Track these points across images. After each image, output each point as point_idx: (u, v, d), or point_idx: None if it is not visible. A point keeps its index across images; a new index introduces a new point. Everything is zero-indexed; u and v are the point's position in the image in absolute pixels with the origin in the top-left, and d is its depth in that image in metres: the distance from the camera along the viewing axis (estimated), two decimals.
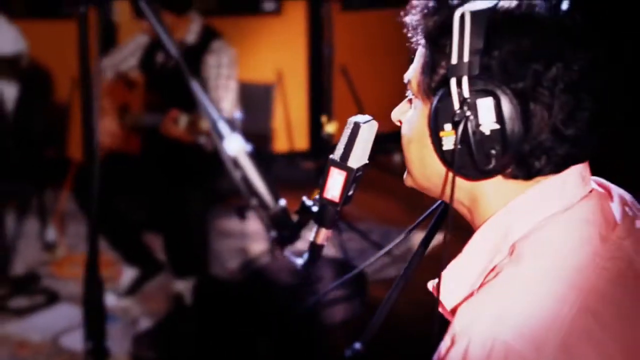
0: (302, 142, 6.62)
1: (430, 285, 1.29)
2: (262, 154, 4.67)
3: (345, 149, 1.41)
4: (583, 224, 1.19)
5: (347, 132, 1.40)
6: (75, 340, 3.69)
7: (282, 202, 1.50)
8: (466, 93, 1.15)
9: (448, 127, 1.19)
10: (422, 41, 1.27)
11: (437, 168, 1.25)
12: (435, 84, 1.22)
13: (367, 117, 1.42)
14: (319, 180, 1.43)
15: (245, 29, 6.81)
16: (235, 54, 4.40)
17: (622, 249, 1.19)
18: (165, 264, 4.42)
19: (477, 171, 1.19)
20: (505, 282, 1.15)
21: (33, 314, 4.21)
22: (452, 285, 1.25)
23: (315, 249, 1.50)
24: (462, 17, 1.15)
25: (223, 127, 1.55)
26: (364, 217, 5.39)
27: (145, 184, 4.26)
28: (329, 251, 4.81)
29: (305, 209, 1.47)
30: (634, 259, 1.19)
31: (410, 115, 1.30)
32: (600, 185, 1.30)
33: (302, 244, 1.55)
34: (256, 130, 4.88)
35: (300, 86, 6.60)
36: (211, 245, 4.78)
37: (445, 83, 1.19)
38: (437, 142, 1.21)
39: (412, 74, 1.29)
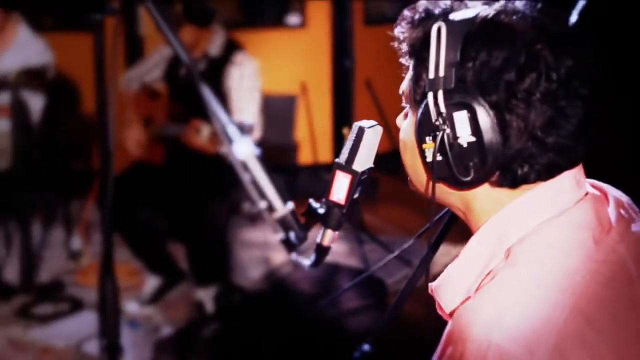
0: (326, 154, 6.65)
1: (430, 287, 1.32)
2: (285, 165, 4.72)
3: (350, 152, 1.44)
4: (577, 228, 1.21)
5: (352, 136, 1.44)
6: (98, 347, 3.73)
7: (290, 205, 1.53)
8: (442, 107, 1.18)
9: (429, 139, 1.22)
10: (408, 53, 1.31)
11: (425, 176, 1.29)
12: (419, 97, 1.25)
13: (372, 122, 1.46)
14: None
15: (270, 42, 6.86)
16: (257, 66, 4.44)
17: (615, 252, 1.20)
18: (187, 273, 4.47)
19: (459, 182, 1.22)
20: (500, 286, 1.17)
21: (57, 320, 4.27)
22: (449, 288, 1.27)
23: (321, 250, 1.53)
24: (439, 30, 1.19)
25: (232, 131, 1.60)
26: (386, 229, 5.41)
27: (169, 194, 4.30)
28: (351, 262, 4.84)
29: (312, 212, 1.50)
30: (627, 262, 1.20)
31: (405, 125, 1.33)
32: (596, 187, 1.31)
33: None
34: (280, 142, 4.92)
35: (324, 99, 6.64)
36: (234, 255, 4.83)
37: (426, 95, 1.21)
38: (421, 153, 1.24)
39: (403, 87, 1.32)
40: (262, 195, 1.55)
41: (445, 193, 1.29)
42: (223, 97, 4.33)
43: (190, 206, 4.21)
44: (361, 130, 1.43)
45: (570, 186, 1.24)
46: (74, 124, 5.60)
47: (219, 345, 3.71)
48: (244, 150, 1.58)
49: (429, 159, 1.22)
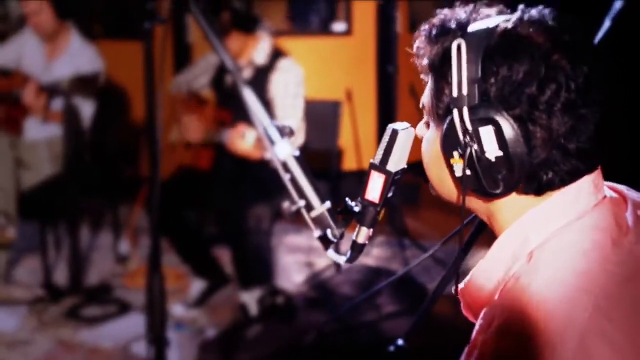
0: (370, 160, 6.63)
1: (456, 289, 1.37)
2: (329, 170, 4.77)
3: (384, 154, 1.49)
4: (595, 230, 1.24)
5: (385, 138, 1.48)
6: (144, 348, 3.81)
7: (327, 203, 1.59)
8: (468, 124, 1.22)
9: (456, 154, 1.26)
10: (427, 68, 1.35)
11: (454, 187, 1.34)
12: (442, 111, 1.29)
13: (405, 124, 1.51)
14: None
15: (316, 49, 6.93)
16: (302, 72, 4.50)
17: (632, 253, 1.23)
18: (232, 276, 4.54)
19: (488, 194, 1.26)
20: (523, 288, 1.20)
21: (105, 322, 4.35)
22: (474, 290, 1.32)
23: (356, 247, 1.58)
24: (459, 47, 1.22)
25: (274, 133, 1.66)
26: (428, 234, 5.44)
27: (214, 198, 4.37)
28: (393, 267, 4.88)
29: (347, 210, 1.55)
30: None
31: (427, 137, 1.37)
32: (614, 190, 1.35)
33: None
34: (323, 147, 4.97)
35: (369, 105, 6.67)
36: (278, 259, 4.90)
37: (449, 111, 1.25)
38: (450, 167, 1.29)
39: (423, 98, 1.36)
40: (301, 194, 1.61)
41: (471, 201, 1.34)
42: (268, 104, 4.40)
43: (236, 211, 4.27)
44: (394, 132, 1.48)
45: (589, 190, 1.27)
46: (124, 130, 5.71)
47: (262, 347, 3.76)
48: (284, 151, 1.64)
49: (458, 173, 1.27)
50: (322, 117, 4.94)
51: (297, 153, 1.65)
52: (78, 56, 4.92)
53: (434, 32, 1.32)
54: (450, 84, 1.24)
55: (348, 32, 6.92)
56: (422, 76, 1.38)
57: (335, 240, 1.58)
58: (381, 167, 1.49)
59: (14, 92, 4.85)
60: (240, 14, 4.45)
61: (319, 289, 4.51)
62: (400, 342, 1.86)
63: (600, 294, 1.15)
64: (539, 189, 1.25)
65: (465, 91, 1.21)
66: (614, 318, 1.13)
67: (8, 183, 4.68)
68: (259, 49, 4.49)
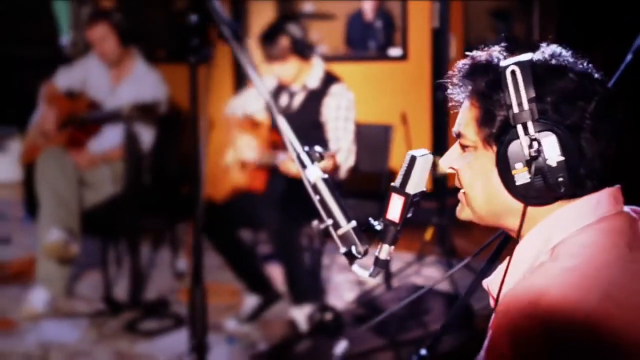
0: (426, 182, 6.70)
1: (485, 284, 1.52)
2: (379, 191, 4.89)
3: (403, 177, 1.64)
4: (612, 232, 1.41)
5: (405, 164, 1.63)
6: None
7: (353, 222, 1.72)
8: (532, 135, 1.39)
9: (519, 165, 1.42)
10: (468, 98, 1.51)
11: (503, 201, 1.48)
12: (497, 131, 1.46)
13: (424, 150, 1.65)
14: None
15: (372, 74, 7.07)
16: (353, 97, 4.62)
17: None
18: (285, 294, 4.68)
19: (549, 198, 1.43)
20: (542, 273, 1.37)
21: (161, 335, 4.50)
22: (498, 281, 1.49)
23: (379, 262, 1.72)
24: (513, 72, 1.40)
25: (305, 158, 1.81)
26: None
27: (268, 218, 4.50)
28: (442, 286, 4.97)
29: (370, 228, 1.70)
30: None
31: (471, 160, 1.53)
32: (635, 211, 1.50)
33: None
34: (375, 169, 5.09)
35: (423, 129, 6.76)
36: (330, 278, 5.03)
37: (505, 130, 1.43)
38: (508, 179, 1.44)
39: (463, 126, 1.53)
40: (329, 214, 1.75)
41: (508, 214, 1.49)
42: (321, 126, 4.55)
43: (288, 230, 4.41)
44: (413, 159, 1.62)
45: (609, 201, 1.44)
46: (183, 151, 5.89)
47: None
48: (314, 175, 1.79)
49: (520, 182, 1.43)
50: (374, 140, 5.06)
51: (325, 176, 1.79)
52: (142, 82, 5.12)
53: (479, 66, 1.51)
54: (503, 106, 1.43)
55: (404, 57, 7.04)
56: (453, 105, 1.55)
57: (359, 257, 1.72)
58: (401, 189, 1.64)
59: (79, 114, 5.07)
60: (298, 40, 4.61)
61: (368, 306, 4.61)
62: (423, 351, 1.99)
63: (612, 284, 1.31)
64: (582, 192, 1.43)
65: (526, 107, 1.39)
66: (624, 307, 1.28)
67: (72, 202, 4.87)
68: (313, 74, 4.64)
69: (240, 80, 7.13)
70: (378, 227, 1.68)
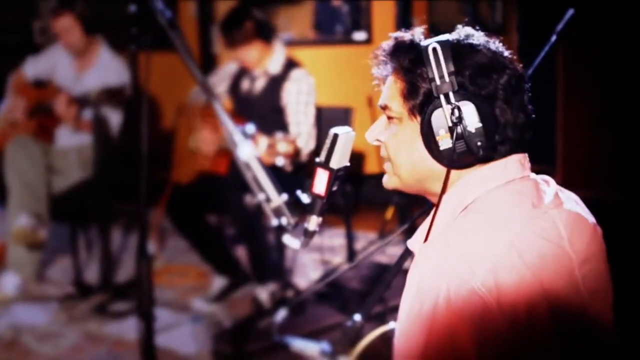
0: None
1: (409, 244, 1.66)
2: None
3: (327, 153, 1.77)
4: (518, 193, 1.56)
5: (328, 140, 1.76)
6: (167, 339, 4.09)
7: (284, 196, 1.84)
8: (454, 104, 1.53)
9: (442, 131, 1.55)
10: (393, 73, 1.65)
11: (427, 166, 1.62)
12: (421, 102, 1.59)
13: (346, 128, 1.79)
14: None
15: (339, 58, 7.16)
16: (313, 82, 4.73)
17: (548, 214, 1.53)
18: (251, 275, 4.79)
19: (469, 161, 1.57)
20: (454, 227, 1.53)
21: (130, 316, 4.57)
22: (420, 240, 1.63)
23: (308, 233, 1.85)
24: (435, 50, 1.55)
25: (237, 137, 1.94)
26: None
27: (231, 201, 4.60)
28: (405, 265, 5.08)
29: (299, 201, 1.82)
30: (558, 224, 1.52)
31: (396, 131, 1.66)
32: (545, 180, 1.64)
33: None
34: None
35: None
36: (296, 258, 5.15)
37: (428, 100, 1.57)
38: (432, 145, 1.58)
39: (389, 99, 1.66)
40: (261, 189, 1.88)
41: (432, 179, 1.63)
42: (281, 110, 4.66)
43: (251, 211, 4.50)
44: (335, 136, 1.76)
45: (517, 165, 1.59)
46: (154, 136, 5.95)
47: (271, 337, 3.98)
48: (246, 152, 1.91)
49: (444, 146, 1.56)
50: (335, 122, 5.11)
51: (257, 153, 1.91)
52: (106, 69, 5.18)
53: (404, 45, 1.64)
54: (426, 79, 1.57)
55: (369, 41, 7.12)
56: (382, 84, 1.68)
57: (290, 228, 1.84)
58: (325, 164, 1.77)
59: (46, 102, 5.14)
60: (263, 24, 4.72)
61: (331, 284, 4.74)
62: (357, 317, 2.12)
63: (516, 235, 1.45)
64: (491, 158, 1.58)
65: (447, 79, 1.54)
66: (524, 255, 1.43)
67: (40, 187, 4.98)
68: (274, 60, 4.74)
69: (207, 69, 7.20)
70: (306, 201, 1.81)
